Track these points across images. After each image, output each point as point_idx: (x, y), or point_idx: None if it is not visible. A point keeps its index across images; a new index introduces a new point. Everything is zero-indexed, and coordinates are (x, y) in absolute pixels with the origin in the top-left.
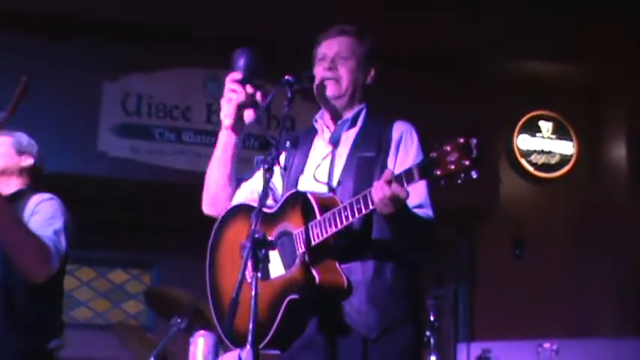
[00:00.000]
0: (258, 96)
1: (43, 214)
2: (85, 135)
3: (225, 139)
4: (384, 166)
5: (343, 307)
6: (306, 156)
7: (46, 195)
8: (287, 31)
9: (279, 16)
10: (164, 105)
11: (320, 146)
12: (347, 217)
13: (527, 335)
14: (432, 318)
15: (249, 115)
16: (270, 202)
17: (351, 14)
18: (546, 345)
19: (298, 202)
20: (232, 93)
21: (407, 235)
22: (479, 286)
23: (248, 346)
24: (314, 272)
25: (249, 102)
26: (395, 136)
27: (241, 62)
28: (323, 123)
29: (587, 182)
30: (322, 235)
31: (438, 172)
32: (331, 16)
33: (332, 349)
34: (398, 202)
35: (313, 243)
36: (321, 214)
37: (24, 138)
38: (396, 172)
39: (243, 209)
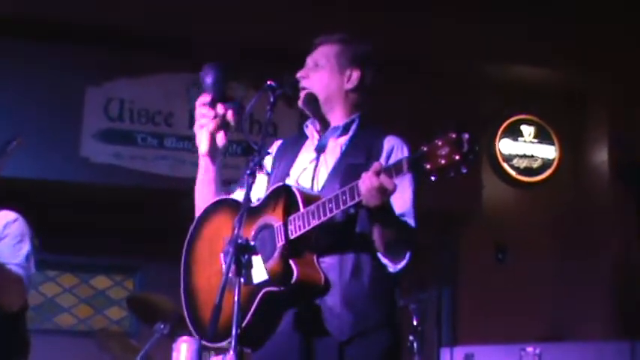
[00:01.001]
0: (230, 115)
1: (11, 239)
2: (67, 140)
3: (205, 164)
4: None
5: (318, 307)
6: (293, 160)
7: (10, 214)
8: (273, 37)
9: (265, 21)
10: (147, 110)
11: (308, 152)
12: (331, 209)
13: (510, 339)
14: (414, 322)
15: (220, 138)
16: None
17: (328, 20)
18: (529, 349)
19: (282, 195)
20: (203, 119)
21: (388, 235)
22: (461, 290)
23: (231, 352)
24: (292, 265)
25: (221, 124)
26: (386, 147)
27: (209, 80)
28: (314, 129)
29: (570, 186)
30: (304, 227)
31: (428, 166)
32: (310, 22)
33: (307, 349)
34: (385, 194)
35: (294, 235)
36: (304, 207)
37: None
38: None
39: (222, 204)
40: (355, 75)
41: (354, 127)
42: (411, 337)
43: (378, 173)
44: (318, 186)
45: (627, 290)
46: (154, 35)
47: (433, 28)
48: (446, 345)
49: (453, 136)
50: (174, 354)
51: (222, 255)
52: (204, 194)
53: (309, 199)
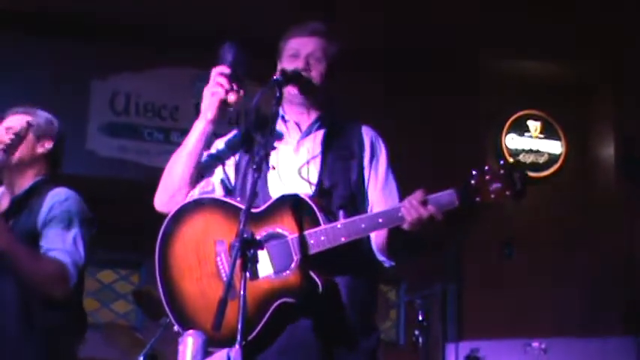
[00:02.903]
0: (241, 94)
1: (58, 222)
2: (73, 134)
3: (202, 129)
4: (360, 166)
5: (323, 314)
6: (271, 152)
7: (61, 193)
8: (278, 32)
9: (270, 15)
10: (152, 104)
11: (290, 144)
12: (365, 229)
13: (515, 335)
14: (420, 317)
15: (232, 97)
16: (219, 192)
17: (326, 13)
18: (535, 344)
19: (291, 205)
20: (218, 87)
21: (401, 245)
22: (467, 285)
23: (237, 346)
24: (315, 278)
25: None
26: (366, 139)
27: (230, 56)
28: (292, 120)
29: (576, 181)
30: (329, 242)
31: (478, 199)
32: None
33: (308, 356)
34: (432, 224)
35: (316, 250)
36: (324, 222)
37: (42, 117)
38: (372, 175)
39: (205, 204)
40: (335, 72)
41: (334, 116)
42: (416, 332)
43: (425, 203)
44: (310, 179)
45: (633, 286)
46: (159, 29)
47: (438, 22)
48: (451, 340)
49: (502, 172)
50: (180, 347)
51: (218, 257)
52: (183, 168)
53: (323, 210)
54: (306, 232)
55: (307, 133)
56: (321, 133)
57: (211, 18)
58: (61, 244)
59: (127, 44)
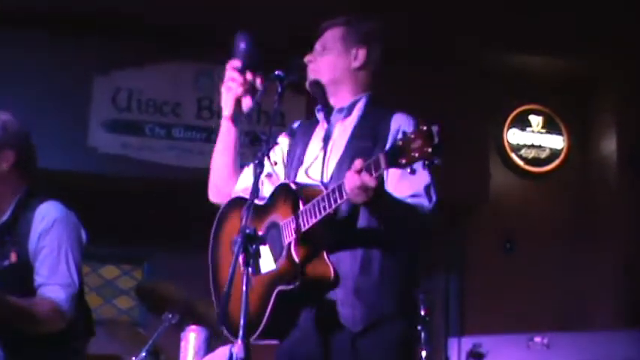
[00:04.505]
0: (258, 82)
1: (48, 253)
2: (75, 130)
3: (225, 128)
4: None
5: (331, 300)
6: (305, 148)
7: (47, 218)
8: (282, 27)
9: (273, 11)
10: (154, 100)
11: (318, 138)
12: (324, 208)
13: (518, 329)
14: (422, 312)
15: (246, 103)
16: (266, 185)
17: (338, 8)
18: (537, 339)
19: (283, 193)
20: (232, 82)
21: (393, 223)
22: (469, 280)
23: (239, 341)
24: (299, 262)
25: (249, 90)
26: (393, 127)
27: (242, 46)
28: (323, 115)
29: (578, 176)
30: (304, 225)
31: (403, 161)
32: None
33: (323, 342)
34: (367, 191)
35: (298, 233)
36: (304, 205)
37: None
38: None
39: (239, 202)
40: (362, 53)
41: (361, 107)
42: (418, 328)
43: (359, 172)
44: (328, 173)
45: (636, 279)
46: (161, 25)
47: (439, 17)
48: (453, 335)
49: (424, 128)
50: (182, 343)
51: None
52: (220, 165)
53: (308, 194)
54: (290, 218)
55: (333, 124)
56: (348, 123)
57: (213, 13)
58: (54, 279)
59: (129, 40)
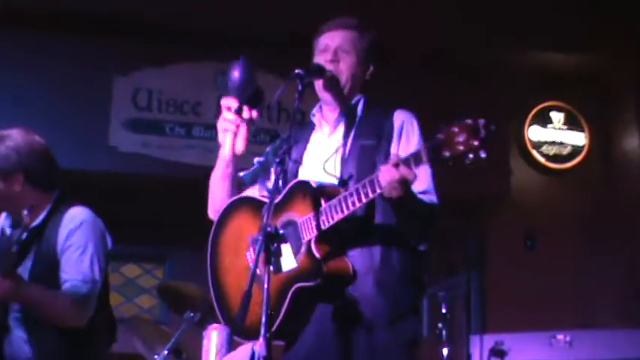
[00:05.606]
0: (255, 115)
1: (74, 250)
2: (96, 130)
3: (225, 158)
4: (387, 154)
5: (351, 295)
6: (303, 149)
7: (76, 218)
8: (298, 26)
9: (288, 10)
10: (174, 100)
11: (319, 139)
12: (353, 203)
13: (539, 327)
14: (443, 310)
15: (240, 145)
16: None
17: (354, 8)
18: (560, 336)
19: (302, 190)
20: (228, 123)
21: (412, 219)
22: (490, 277)
23: (261, 339)
24: (320, 259)
25: (247, 124)
26: (396, 124)
27: (236, 76)
28: (321, 116)
29: (599, 173)
30: (328, 222)
31: (447, 154)
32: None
33: (343, 337)
34: (406, 185)
35: (320, 230)
36: (326, 202)
37: (4, 149)
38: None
39: (242, 203)
40: (372, 67)
41: (360, 108)
42: (439, 325)
43: (397, 165)
44: (336, 172)
45: None
46: (181, 25)
47: (459, 17)
48: (475, 332)
49: (469, 122)
50: (204, 342)
51: (247, 252)
52: (218, 189)
53: (329, 193)
54: (310, 215)
55: (336, 126)
56: (347, 125)
57: (232, 13)
58: (78, 274)
59: (148, 40)
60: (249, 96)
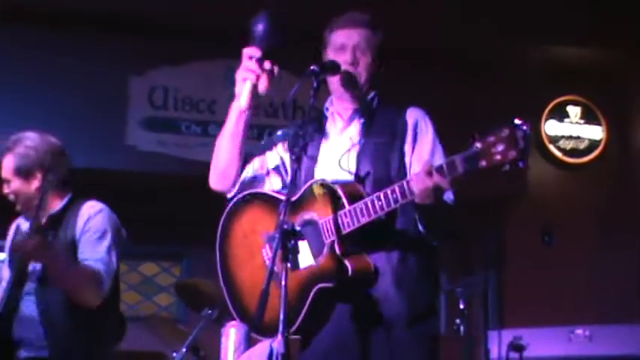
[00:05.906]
0: (276, 70)
1: (93, 233)
2: (113, 130)
3: (238, 113)
4: (401, 152)
5: (371, 294)
6: (319, 145)
7: (95, 206)
8: (311, 21)
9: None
10: (190, 98)
11: (334, 135)
12: (381, 208)
13: (557, 322)
14: (461, 306)
15: (263, 85)
16: (267, 187)
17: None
18: (579, 331)
19: (322, 190)
20: (249, 72)
21: (434, 221)
22: (508, 273)
23: (279, 336)
24: (345, 261)
25: (267, 77)
26: (410, 122)
27: (260, 29)
28: (335, 111)
29: (617, 167)
30: (353, 224)
31: (484, 164)
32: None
33: (361, 336)
34: (440, 193)
35: (343, 232)
36: (349, 204)
37: (17, 155)
38: (415, 158)
39: (253, 198)
40: (383, 68)
41: (374, 104)
42: (457, 321)
43: (430, 173)
44: (350, 167)
45: None
46: (196, 23)
47: (477, 12)
48: (493, 328)
49: (507, 132)
50: (222, 339)
51: (264, 250)
52: (227, 150)
53: (350, 192)
54: (332, 216)
55: (349, 122)
56: (362, 122)
57: (246, 10)
58: (95, 254)
59: (163, 39)
60: (274, 46)
